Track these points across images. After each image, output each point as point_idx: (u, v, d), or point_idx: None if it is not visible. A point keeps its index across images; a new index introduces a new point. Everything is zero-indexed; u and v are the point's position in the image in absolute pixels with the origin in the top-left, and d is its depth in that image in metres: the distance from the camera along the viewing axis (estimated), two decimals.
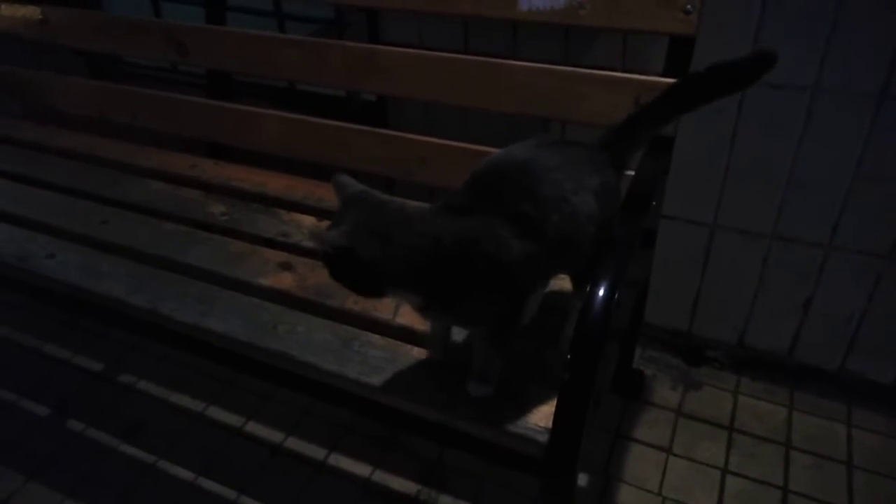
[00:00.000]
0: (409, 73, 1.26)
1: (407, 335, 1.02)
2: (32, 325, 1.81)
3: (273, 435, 1.48)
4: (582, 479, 1.34)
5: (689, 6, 1.01)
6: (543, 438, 0.85)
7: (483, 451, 0.94)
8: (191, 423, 1.52)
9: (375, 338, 1.03)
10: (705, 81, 0.91)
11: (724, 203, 1.38)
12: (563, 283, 1.02)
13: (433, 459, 1.40)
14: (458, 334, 1.00)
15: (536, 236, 0.82)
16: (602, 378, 0.98)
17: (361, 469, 1.40)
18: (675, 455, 1.39)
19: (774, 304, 1.44)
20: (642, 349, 1.62)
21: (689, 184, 1.35)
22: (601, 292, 0.78)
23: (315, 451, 1.44)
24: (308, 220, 1.33)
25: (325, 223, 0.85)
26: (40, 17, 1.61)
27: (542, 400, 0.89)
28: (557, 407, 0.82)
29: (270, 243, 1.26)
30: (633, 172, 1.04)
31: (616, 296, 0.78)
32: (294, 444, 1.46)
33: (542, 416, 0.87)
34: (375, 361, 0.98)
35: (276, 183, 1.45)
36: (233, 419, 1.52)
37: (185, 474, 1.41)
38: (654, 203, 1.00)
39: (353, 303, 1.08)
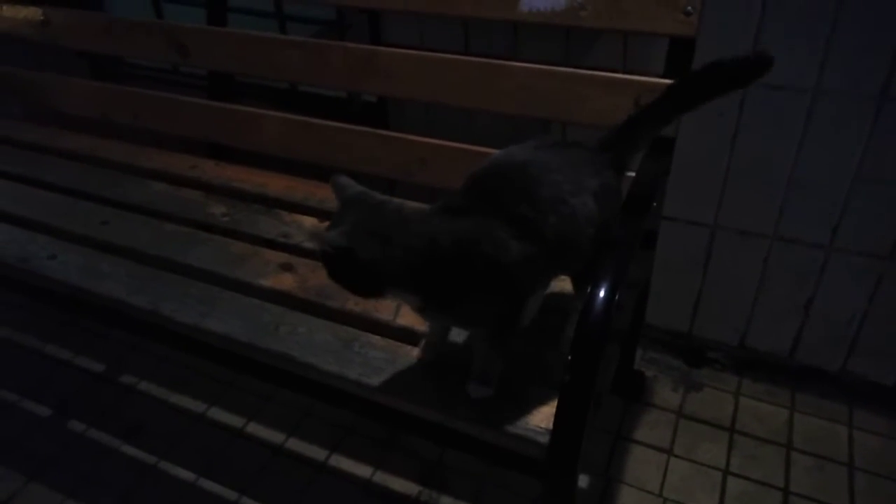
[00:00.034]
0: (410, 74, 1.26)
1: (407, 336, 1.02)
2: (33, 326, 1.81)
3: (274, 436, 1.48)
4: (582, 481, 1.34)
5: (689, 7, 1.01)
6: (544, 439, 0.84)
7: (483, 453, 0.94)
8: (191, 424, 1.52)
9: (376, 339, 1.03)
10: (704, 80, 0.91)
11: (724, 204, 1.38)
12: (563, 284, 1.02)
13: (434, 460, 1.40)
14: (459, 335, 1.00)
15: (534, 238, 0.82)
16: (603, 379, 0.98)
17: (362, 470, 1.40)
18: (676, 456, 1.39)
19: (775, 305, 1.44)
20: (643, 350, 1.61)
21: (689, 185, 1.35)
22: (602, 293, 0.78)
23: (316, 452, 1.44)
24: (309, 221, 1.33)
25: (326, 224, 0.85)
26: (42, 18, 1.61)
27: (542, 401, 0.89)
28: (558, 408, 0.82)
29: (271, 244, 1.26)
30: (633, 173, 1.04)
31: (617, 297, 0.78)
32: (295, 444, 1.46)
33: (543, 417, 0.87)
34: (376, 362, 0.98)
35: (276, 184, 1.45)
36: (234, 420, 1.52)
37: (185, 475, 1.41)
38: (654, 204, 1.00)
39: (354, 304, 1.08)
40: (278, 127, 1.44)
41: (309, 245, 1.24)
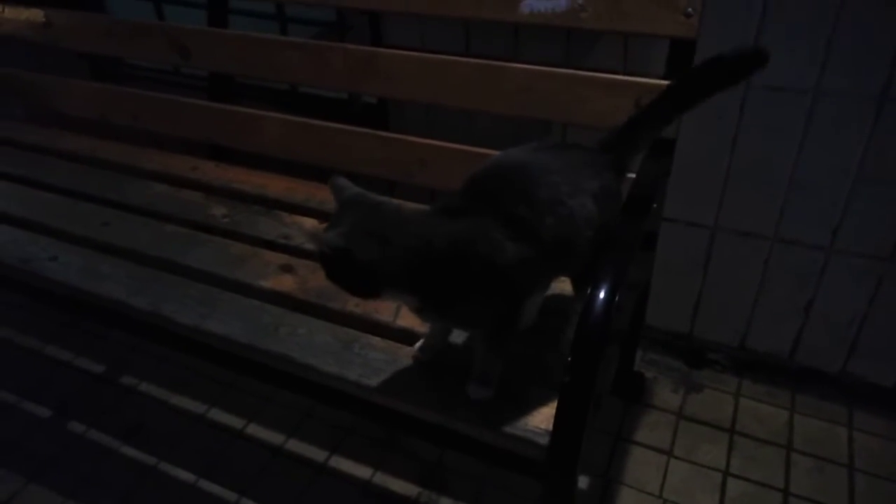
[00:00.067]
0: (410, 75, 1.26)
1: (408, 338, 1.02)
2: (34, 327, 1.81)
3: (274, 437, 1.48)
4: (582, 482, 1.34)
5: (690, 9, 1.01)
6: (544, 441, 0.84)
7: (483, 454, 0.94)
8: (191, 425, 1.52)
9: (376, 340, 1.03)
10: (703, 77, 0.92)
11: (725, 205, 1.38)
12: (563, 285, 1.02)
13: (434, 462, 1.40)
14: (459, 336, 1.00)
15: (531, 239, 0.82)
16: (603, 380, 0.98)
17: (362, 471, 1.40)
18: (676, 458, 1.39)
19: (776, 306, 1.44)
20: (643, 352, 1.61)
21: (690, 186, 1.35)
22: (602, 295, 0.78)
23: (316, 453, 1.44)
24: (309, 223, 1.33)
25: (326, 225, 0.85)
26: (44, 20, 1.61)
27: (542, 402, 0.89)
28: (558, 409, 0.82)
29: (271, 245, 1.27)
30: (634, 175, 1.04)
31: (617, 298, 0.78)
32: (295, 445, 1.46)
33: (543, 418, 0.87)
34: (376, 364, 0.98)
35: (277, 185, 1.45)
36: (234, 421, 1.52)
37: (185, 476, 1.41)
38: (655, 205, 1.00)
39: (354, 305, 1.08)
40: (279, 128, 1.44)
41: (309, 246, 1.24)
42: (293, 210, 1.37)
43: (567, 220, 0.83)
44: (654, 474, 1.36)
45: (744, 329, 1.51)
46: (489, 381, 0.90)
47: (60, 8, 1.61)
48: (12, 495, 1.39)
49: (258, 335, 1.05)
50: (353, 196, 0.84)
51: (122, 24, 1.55)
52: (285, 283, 1.15)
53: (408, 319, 1.04)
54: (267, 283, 1.15)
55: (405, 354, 0.99)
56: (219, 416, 1.54)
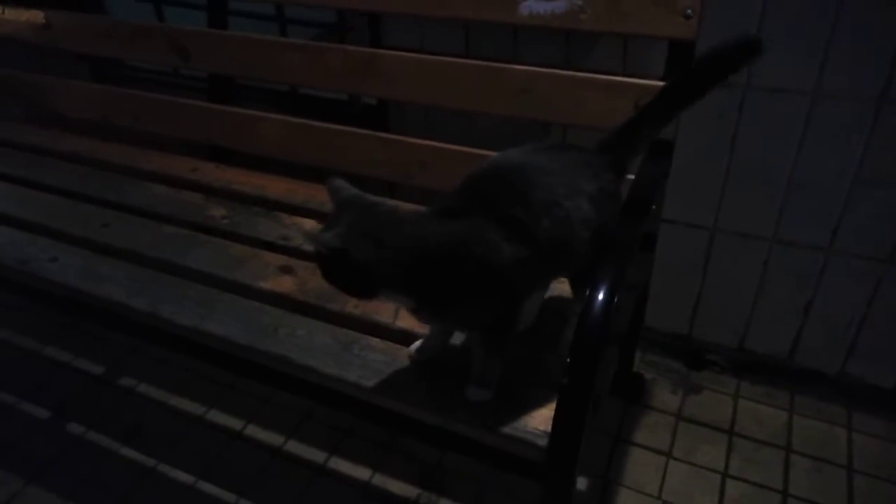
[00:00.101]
0: (410, 76, 1.26)
1: (407, 339, 1.02)
2: (33, 328, 1.81)
3: (273, 438, 1.48)
4: (582, 483, 1.34)
5: (689, 10, 1.02)
6: (543, 442, 0.84)
7: (482, 455, 0.94)
8: (190, 427, 1.52)
9: (375, 341, 1.03)
10: (698, 73, 0.92)
11: (724, 206, 1.38)
12: (563, 286, 1.02)
13: (433, 463, 1.40)
14: (458, 338, 1.00)
15: (527, 240, 0.82)
16: (601, 382, 0.98)
17: (361, 473, 1.40)
18: (675, 459, 1.39)
19: (775, 307, 1.44)
20: (642, 353, 1.62)
21: (689, 187, 1.35)
22: (601, 296, 0.78)
23: (315, 455, 1.44)
24: (309, 224, 1.33)
25: (323, 226, 0.85)
26: (44, 21, 1.61)
27: (541, 404, 0.89)
28: (557, 411, 0.82)
29: (271, 247, 1.27)
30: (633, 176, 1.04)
31: (615, 299, 0.78)
32: (294, 447, 1.46)
33: (542, 419, 0.87)
34: (375, 365, 0.98)
35: (276, 186, 1.45)
36: (233, 422, 1.52)
37: (184, 477, 1.41)
38: (654, 207, 1.00)
39: (354, 307, 1.08)
40: (278, 129, 1.44)
41: (308, 247, 1.24)
42: (293, 211, 1.37)
43: (563, 221, 0.83)
44: (653, 475, 1.36)
45: (743, 330, 1.51)
46: (488, 383, 0.90)
47: (60, 9, 1.61)
48: (11, 496, 1.39)
49: (257, 336, 1.05)
50: (350, 197, 0.85)
51: (122, 26, 1.56)
52: (285, 285, 1.15)
53: (407, 321, 1.04)
54: (266, 285, 1.16)
55: (404, 356, 0.99)
56: (218, 417, 1.54)
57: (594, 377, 0.79)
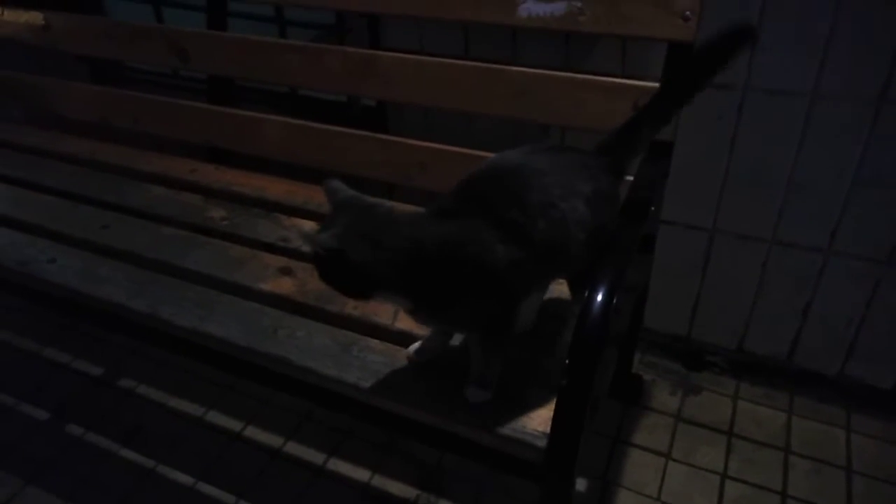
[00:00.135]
0: (409, 78, 1.27)
1: (406, 340, 1.02)
2: (32, 329, 1.81)
3: (272, 439, 1.48)
4: (581, 484, 1.34)
5: (688, 12, 1.02)
6: (542, 443, 0.85)
7: (482, 456, 0.94)
8: (190, 428, 1.52)
9: (374, 343, 1.03)
10: (694, 67, 0.93)
11: (723, 208, 1.38)
12: (562, 288, 1.02)
13: (432, 464, 1.40)
14: (458, 339, 1.00)
15: (523, 241, 0.82)
16: (600, 383, 0.98)
17: (360, 474, 1.40)
18: (674, 460, 1.39)
19: (774, 308, 1.44)
20: (641, 354, 1.62)
21: (688, 189, 1.35)
22: (600, 297, 0.79)
23: (314, 456, 1.44)
24: (308, 225, 1.33)
25: (320, 227, 0.86)
26: (43, 22, 1.61)
27: (540, 405, 0.90)
28: (556, 412, 0.82)
29: (270, 248, 1.27)
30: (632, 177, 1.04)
31: (615, 301, 0.79)
32: (293, 448, 1.46)
33: (541, 420, 0.87)
34: (374, 366, 0.98)
35: (276, 188, 1.45)
36: (232, 423, 1.52)
37: (184, 479, 1.41)
38: (653, 208, 1.00)
39: (353, 308, 1.09)
40: (278, 131, 1.44)
41: (307, 248, 1.24)
42: (292, 213, 1.37)
43: (559, 222, 0.83)
44: (653, 477, 1.36)
45: (742, 331, 1.51)
46: (487, 384, 0.90)
47: (59, 11, 1.61)
48: (10, 497, 1.39)
49: (257, 338, 1.05)
50: (347, 199, 0.85)
51: (122, 27, 1.56)
52: (284, 286, 1.15)
53: (406, 322, 1.04)
54: (266, 286, 1.16)
55: (403, 357, 0.99)
56: (217, 418, 1.54)
57: (593, 378, 0.79)
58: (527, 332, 1.01)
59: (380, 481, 1.38)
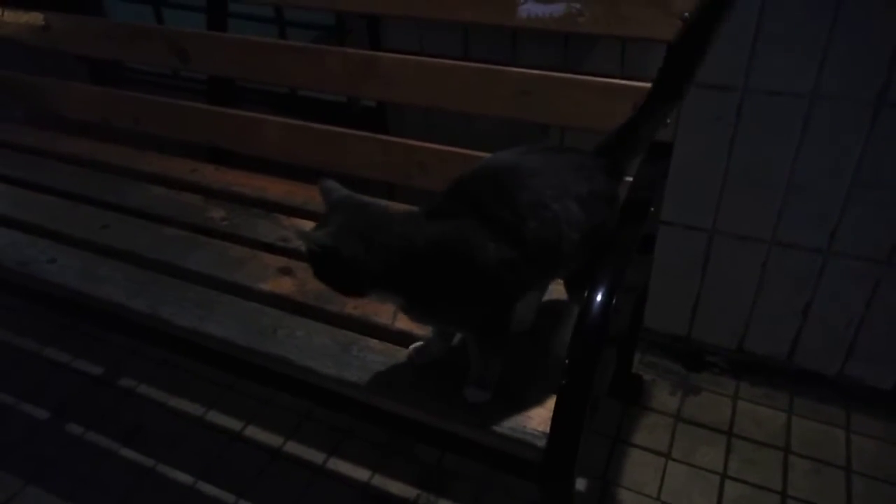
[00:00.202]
0: (409, 79, 1.27)
1: (406, 340, 1.02)
2: (32, 329, 1.81)
3: (272, 439, 1.48)
4: (581, 484, 1.34)
5: (686, 14, 1.02)
6: (541, 443, 0.85)
7: (482, 456, 0.94)
8: (190, 427, 1.52)
9: (374, 342, 1.03)
10: (680, 53, 0.94)
11: (722, 208, 1.38)
12: (562, 287, 1.02)
13: (432, 464, 1.40)
14: (457, 339, 1.00)
15: (514, 241, 0.82)
16: (600, 383, 0.98)
17: (361, 473, 1.40)
18: (674, 460, 1.39)
19: (773, 309, 1.44)
20: (641, 354, 1.62)
21: (687, 189, 1.36)
22: (599, 297, 0.79)
23: (314, 455, 1.44)
24: (308, 225, 1.32)
25: (315, 226, 0.86)
26: (43, 23, 1.62)
27: (540, 404, 0.90)
28: (555, 412, 0.82)
29: (270, 248, 1.27)
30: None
31: (614, 301, 0.79)
32: (293, 448, 1.46)
33: (541, 420, 0.88)
34: (374, 366, 0.98)
35: (276, 188, 1.45)
36: (232, 423, 1.52)
37: (184, 478, 1.41)
38: (652, 209, 1.00)
39: (353, 308, 1.09)
40: (278, 131, 1.45)
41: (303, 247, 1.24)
42: (292, 213, 1.37)
43: (550, 223, 0.83)
44: (652, 477, 1.36)
45: (742, 332, 1.51)
46: (486, 384, 0.90)
47: (59, 11, 1.61)
48: (11, 497, 1.39)
49: (257, 337, 1.05)
50: (342, 198, 0.86)
51: (122, 28, 1.56)
52: (284, 286, 1.16)
53: (406, 322, 1.04)
54: (266, 286, 1.16)
55: (403, 357, 0.99)
56: (217, 418, 1.54)
57: (593, 378, 0.79)
58: (526, 332, 1.01)
59: (380, 481, 1.38)
